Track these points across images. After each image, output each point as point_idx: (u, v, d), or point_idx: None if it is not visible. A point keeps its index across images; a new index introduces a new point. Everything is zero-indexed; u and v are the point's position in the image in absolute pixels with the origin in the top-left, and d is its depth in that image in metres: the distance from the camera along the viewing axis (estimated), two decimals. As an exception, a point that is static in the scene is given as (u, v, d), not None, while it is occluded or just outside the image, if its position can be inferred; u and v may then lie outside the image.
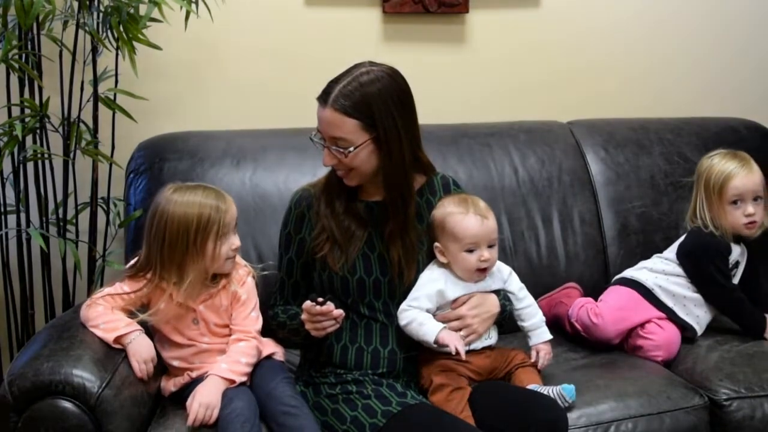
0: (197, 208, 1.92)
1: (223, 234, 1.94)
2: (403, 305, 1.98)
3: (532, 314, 2.07)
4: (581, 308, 2.34)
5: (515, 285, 2.08)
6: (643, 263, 2.42)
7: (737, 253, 2.33)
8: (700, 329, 2.33)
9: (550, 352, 2.06)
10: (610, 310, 2.30)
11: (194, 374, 1.96)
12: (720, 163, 2.33)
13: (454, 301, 2.01)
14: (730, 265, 2.31)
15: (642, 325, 2.29)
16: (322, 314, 1.88)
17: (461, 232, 1.98)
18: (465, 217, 1.98)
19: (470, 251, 1.98)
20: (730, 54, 3.14)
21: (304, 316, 1.92)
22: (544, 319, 2.08)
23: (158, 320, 1.98)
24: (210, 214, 1.93)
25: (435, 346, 1.94)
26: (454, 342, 1.91)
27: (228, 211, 1.96)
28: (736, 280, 2.34)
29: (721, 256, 2.29)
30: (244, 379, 1.94)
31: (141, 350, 1.91)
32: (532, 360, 2.05)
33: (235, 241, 1.98)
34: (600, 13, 3.02)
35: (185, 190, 1.97)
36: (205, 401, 1.85)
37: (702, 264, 2.29)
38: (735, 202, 2.30)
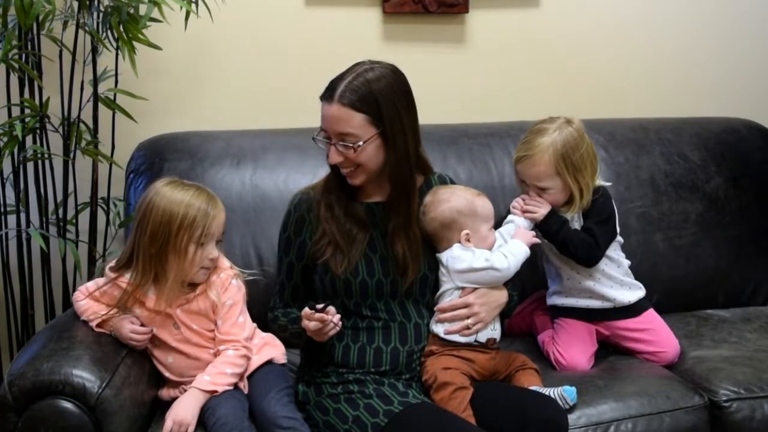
0: (184, 207, 1.90)
1: (205, 240, 1.92)
2: (486, 257, 2.00)
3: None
4: (546, 345, 2.30)
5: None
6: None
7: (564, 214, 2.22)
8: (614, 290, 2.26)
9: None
10: (569, 355, 2.22)
11: (188, 387, 1.93)
12: (519, 142, 2.26)
13: (463, 289, 2.02)
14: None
15: (629, 336, 2.27)
16: (322, 320, 1.87)
17: (489, 210, 2.06)
18: (483, 199, 2.06)
19: (491, 229, 2.07)
20: (730, 54, 3.14)
21: (304, 323, 1.91)
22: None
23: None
24: (196, 216, 1.90)
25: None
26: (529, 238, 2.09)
27: (216, 218, 1.93)
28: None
29: None
30: (229, 388, 1.91)
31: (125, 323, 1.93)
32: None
33: (212, 251, 1.94)
34: (600, 13, 3.02)
35: (177, 186, 1.95)
36: (179, 418, 1.83)
37: None
38: (525, 183, 2.23)
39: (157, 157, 2.43)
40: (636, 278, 2.33)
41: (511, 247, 2.06)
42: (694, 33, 3.10)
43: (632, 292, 2.27)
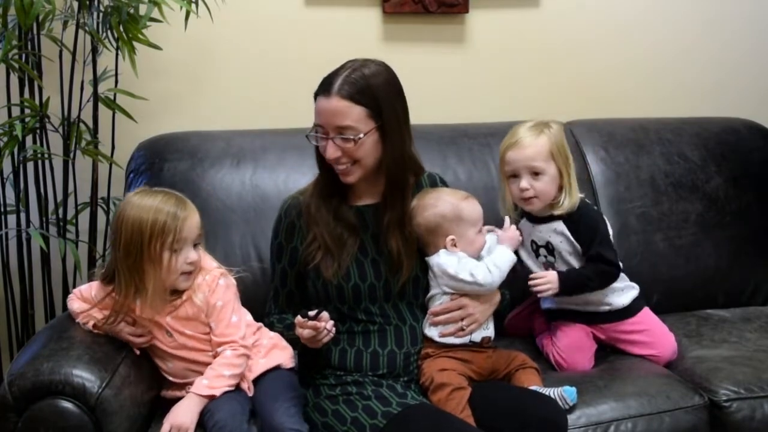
0: (152, 213, 1.85)
1: (179, 245, 1.87)
2: (470, 270, 1.98)
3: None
4: (546, 347, 2.29)
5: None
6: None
7: (544, 232, 2.21)
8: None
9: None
10: (571, 359, 2.21)
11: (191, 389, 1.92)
12: (504, 138, 2.21)
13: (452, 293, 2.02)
14: (536, 246, 2.23)
15: (624, 337, 2.26)
16: (315, 328, 1.86)
17: (476, 214, 2.04)
18: (471, 202, 2.04)
19: (479, 232, 2.05)
20: (730, 54, 3.14)
21: (297, 331, 1.90)
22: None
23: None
24: (165, 221, 1.85)
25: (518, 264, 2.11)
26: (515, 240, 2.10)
27: (187, 220, 1.88)
28: (558, 264, 2.21)
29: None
30: (228, 389, 1.89)
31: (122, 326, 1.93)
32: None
33: (191, 254, 1.90)
34: (600, 14, 3.02)
35: (146, 194, 1.91)
36: (177, 422, 1.82)
37: None
38: (514, 176, 2.18)
39: (157, 157, 2.43)
40: (636, 278, 2.32)
41: (496, 257, 2.03)
42: (694, 33, 3.10)
43: (626, 293, 2.26)
